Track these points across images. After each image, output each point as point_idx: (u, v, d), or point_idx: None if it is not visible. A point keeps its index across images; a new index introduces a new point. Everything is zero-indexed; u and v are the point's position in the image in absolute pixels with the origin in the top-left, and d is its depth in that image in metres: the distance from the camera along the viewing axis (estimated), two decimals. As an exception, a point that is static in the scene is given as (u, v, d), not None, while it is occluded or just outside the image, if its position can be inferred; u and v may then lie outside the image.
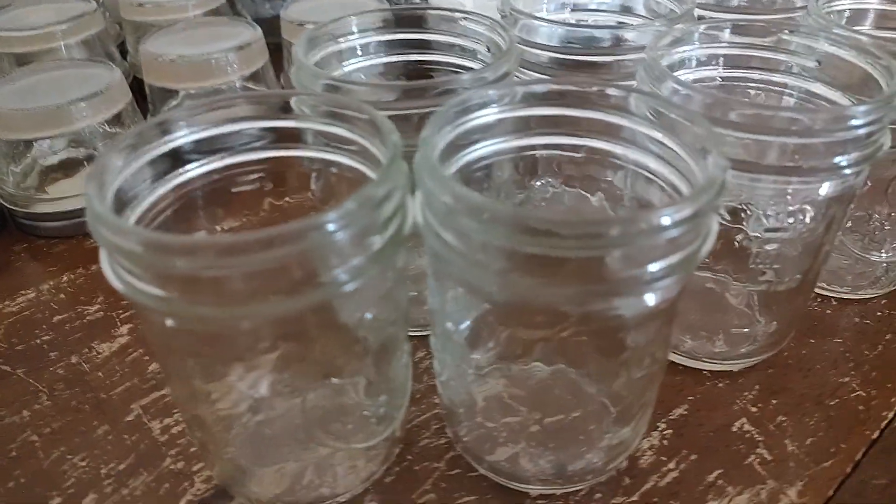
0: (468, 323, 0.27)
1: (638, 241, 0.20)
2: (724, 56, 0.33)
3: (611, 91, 0.26)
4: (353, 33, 0.35)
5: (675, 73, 0.32)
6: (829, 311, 0.38)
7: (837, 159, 0.28)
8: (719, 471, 0.30)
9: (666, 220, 0.20)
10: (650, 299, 0.23)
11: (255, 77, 0.50)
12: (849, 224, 0.37)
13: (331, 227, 0.20)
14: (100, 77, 0.45)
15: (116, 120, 0.46)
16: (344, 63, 0.35)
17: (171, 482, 0.30)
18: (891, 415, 0.33)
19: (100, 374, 0.35)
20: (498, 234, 0.21)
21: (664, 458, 0.31)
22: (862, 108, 0.26)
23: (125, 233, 0.20)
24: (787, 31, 0.32)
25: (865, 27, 0.37)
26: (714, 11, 0.39)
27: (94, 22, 0.55)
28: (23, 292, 0.41)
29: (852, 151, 0.27)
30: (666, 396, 0.34)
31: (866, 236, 0.37)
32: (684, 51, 0.32)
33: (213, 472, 0.30)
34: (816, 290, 0.39)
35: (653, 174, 0.26)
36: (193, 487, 0.30)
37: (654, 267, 0.21)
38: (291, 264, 0.20)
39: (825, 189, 0.29)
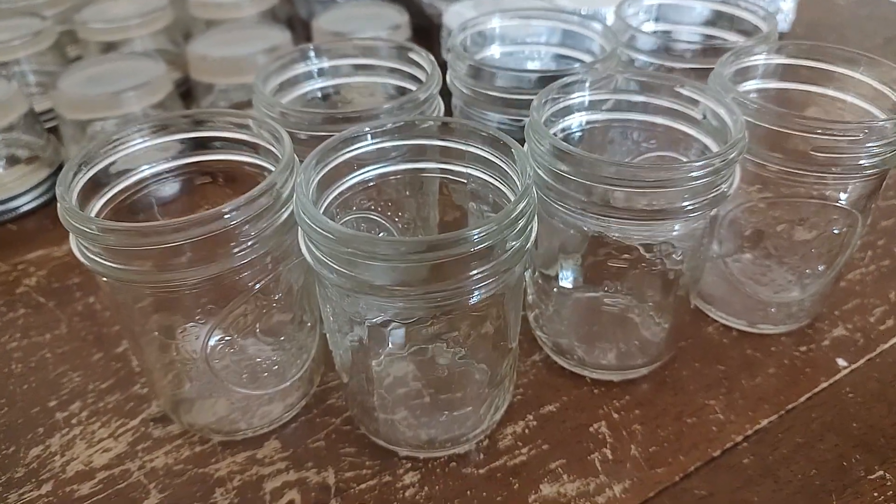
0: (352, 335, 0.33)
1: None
2: (617, 100, 0.37)
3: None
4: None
5: (570, 116, 0.37)
6: (725, 341, 0.42)
7: (684, 204, 0.32)
8: (562, 461, 0.35)
9: (475, 237, 0.26)
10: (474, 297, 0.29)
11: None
12: (739, 263, 0.40)
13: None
14: (148, 70, 0.54)
15: (160, 105, 0.55)
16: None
17: (135, 402, 0.39)
18: (739, 438, 0.36)
19: (107, 313, 0.45)
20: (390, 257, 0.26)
21: (520, 444, 0.36)
22: (697, 163, 0.30)
23: (85, 221, 0.29)
24: (679, 85, 0.36)
25: (775, 80, 0.40)
26: (651, 58, 0.43)
27: (163, 17, 0.66)
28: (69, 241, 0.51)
29: (695, 198, 0.32)
30: (543, 394, 0.39)
31: (755, 275, 0.40)
32: (575, 97, 0.36)
33: (158, 403, 0.38)
34: (720, 320, 0.43)
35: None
36: (150, 408, 0.39)
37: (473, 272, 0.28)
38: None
39: (678, 228, 0.34)
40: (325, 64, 0.43)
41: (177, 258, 0.29)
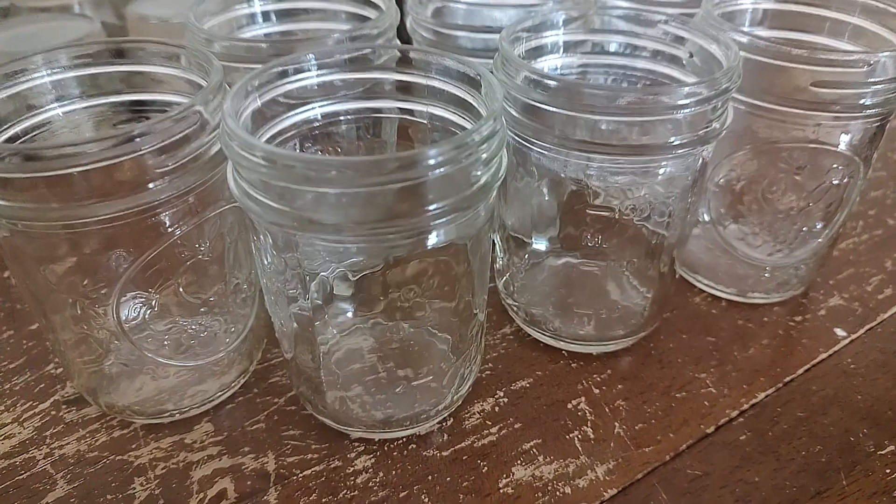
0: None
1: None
2: (594, 42, 0.33)
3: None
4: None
5: (542, 58, 0.33)
6: (714, 311, 0.38)
7: (672, 139, 0.28)
8: (537, 441, 0.31)
9: (431, 160, 0.22)
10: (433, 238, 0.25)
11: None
12: (730, 224, 0.37)
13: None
14: (80, 29, 0.49)
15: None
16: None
17: (47, 383, 0.34)
18: (734, 413, 0.32)
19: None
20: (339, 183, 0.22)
21: (489, 423, 0.32)
22: (686, 89, 0.27)
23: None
24: (664, 21, 0.32)
25: (763, 26, 0.37)
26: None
27: (104, -17, 0.60)
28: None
29: (683, 133, 0.28)
30: (514, 368, 0.35)
31: (747, 236, 0.36)
32: (548, 35, 0.33)
33: (74, 384, 0.33)
34: (707, 290, 0.39)
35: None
36: (63, 390, 0.34)
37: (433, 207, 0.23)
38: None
39: (666, 170, 0.30)
40: (270, 6, 0.38)
41: (79, 190, 0.24)
